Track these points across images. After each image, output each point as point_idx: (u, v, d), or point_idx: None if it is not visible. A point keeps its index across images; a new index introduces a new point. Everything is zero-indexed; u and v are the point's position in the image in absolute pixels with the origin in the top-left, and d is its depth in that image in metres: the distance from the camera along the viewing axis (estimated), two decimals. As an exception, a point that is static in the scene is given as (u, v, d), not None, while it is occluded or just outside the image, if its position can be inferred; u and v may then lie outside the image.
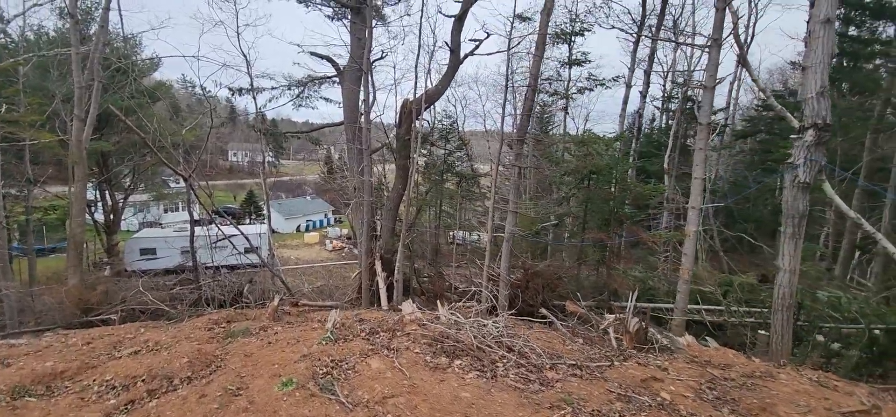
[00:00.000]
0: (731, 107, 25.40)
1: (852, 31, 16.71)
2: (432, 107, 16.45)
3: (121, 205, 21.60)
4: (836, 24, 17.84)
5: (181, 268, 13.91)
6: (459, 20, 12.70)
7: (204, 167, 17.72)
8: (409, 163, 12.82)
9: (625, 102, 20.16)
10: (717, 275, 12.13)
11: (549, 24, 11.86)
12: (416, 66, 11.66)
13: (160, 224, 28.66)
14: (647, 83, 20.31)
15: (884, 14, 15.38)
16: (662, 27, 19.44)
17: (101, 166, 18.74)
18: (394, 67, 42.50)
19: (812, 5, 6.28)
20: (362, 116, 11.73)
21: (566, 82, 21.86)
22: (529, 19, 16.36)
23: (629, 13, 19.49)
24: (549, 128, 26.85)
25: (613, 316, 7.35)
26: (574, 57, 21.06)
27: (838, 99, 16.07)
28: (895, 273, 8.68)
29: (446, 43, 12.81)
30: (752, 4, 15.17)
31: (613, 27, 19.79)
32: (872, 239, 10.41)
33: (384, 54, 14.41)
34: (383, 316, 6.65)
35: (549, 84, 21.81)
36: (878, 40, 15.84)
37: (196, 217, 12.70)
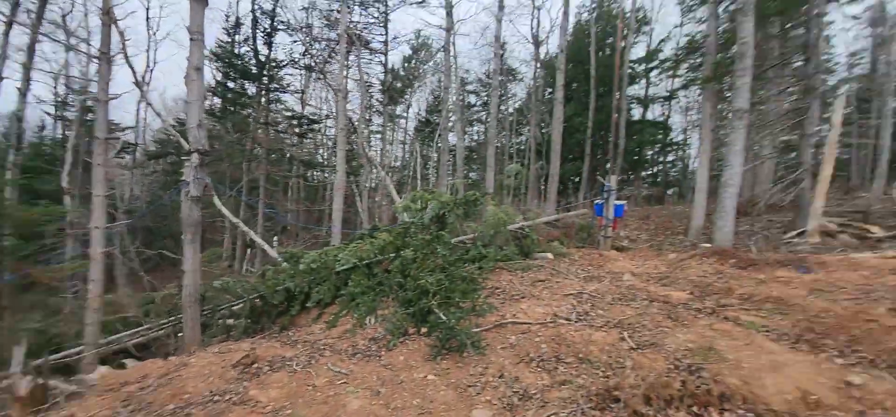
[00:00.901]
0: (142, 127, 25.32)
1: (231, 84, 22.02)
2: None
3: None
4: (218, 76, 22.48)
5: None
6: None
7: None
8: None
9: (-15, 96, 14.50)
10: (140, 297, 11.80)
11: None
12: None
13: None
14: (27, 79, 15.73)
15: (248, 76, 21.50)
16: (44, 19, 15.87)
17: None
18: None
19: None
20: None
21: None
22: None
23: (-15, -21, 14.11)
24: None
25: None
26: None
27: (225, 134, 20.50)
28: (269, 260, 12.54)
29: None
30: (153, 34, 15.92)
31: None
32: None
33: None
34: None
35: None
36: (245, 94, 21.87)
37: None
